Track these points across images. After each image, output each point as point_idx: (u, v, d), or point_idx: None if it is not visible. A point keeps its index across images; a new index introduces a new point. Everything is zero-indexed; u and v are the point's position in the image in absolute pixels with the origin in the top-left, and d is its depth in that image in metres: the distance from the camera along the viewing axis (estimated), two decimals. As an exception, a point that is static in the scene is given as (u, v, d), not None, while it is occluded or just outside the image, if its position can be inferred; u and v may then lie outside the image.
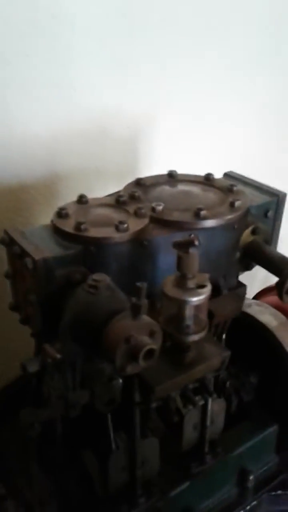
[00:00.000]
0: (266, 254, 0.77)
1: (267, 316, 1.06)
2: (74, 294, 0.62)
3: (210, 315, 0.73)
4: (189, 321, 0.64)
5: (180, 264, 0.62)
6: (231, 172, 0.90)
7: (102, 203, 0.74)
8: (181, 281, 0.63)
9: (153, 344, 0.58)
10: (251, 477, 0.97)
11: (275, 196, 0.83)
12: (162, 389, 0.67)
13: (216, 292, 0.76)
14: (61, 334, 0.62)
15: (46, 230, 0.70)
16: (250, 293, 1.10)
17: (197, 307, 0.64)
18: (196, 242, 0.60)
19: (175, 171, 0.85)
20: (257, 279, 1.25)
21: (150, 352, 0.58)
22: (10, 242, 0.68)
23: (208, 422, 0.89)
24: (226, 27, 1.14)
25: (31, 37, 0.88)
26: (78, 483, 0.87)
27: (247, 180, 0.88)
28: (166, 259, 0.69)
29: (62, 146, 0.94)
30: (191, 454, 0.92)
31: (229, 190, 0.80)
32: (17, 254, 0.66)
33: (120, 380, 0.79)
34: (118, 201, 0.74)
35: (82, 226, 0.66)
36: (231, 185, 0.80)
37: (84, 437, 0.88)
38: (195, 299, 0.63)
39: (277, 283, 0.74)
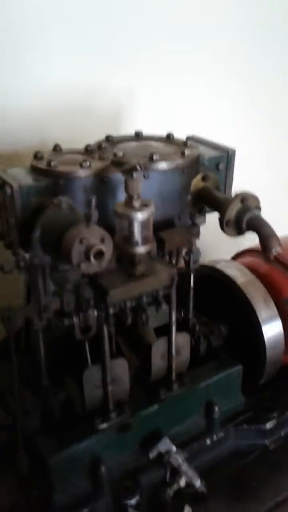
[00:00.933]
0: (214, 196, 0.92)
1: (234, 270, 1.18)
2: (43, 213, 0.77)
3: (162, 242, 0.88)
4: (137, 236, 0.79)
5: (127, 187, 0.77)
6: (193, 135, 1.05)
7: (72, 151, 0.90)
8: (128, 202, 0.78)
9: (103, 246, 0.73)
10: (216, 408, 1.08)
11: (225, 152, 0.97)
12: (115, 293, 0.80)
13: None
14: (32, 245, 0.78)
15: (24, 170, 0.86)
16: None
17: (143, 224, 0.78)
18: (138, 167, 0.75)
19: (141, 132, 1.00)
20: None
21: (100, 253, 0.73)
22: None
23: (173, 352, 1.01)
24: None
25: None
26: (60, 405, 1.00)
27: (204, 141, 1.02)
28: (124, 194, 0.84)
29: (52, 120, 1.11)
30: (160, 382, 1.04)
31: (183, 144, 0.94)
32: (-1, 185, 0.82)
33: (95, 311, 0.93)
34: (86, 150, 0.90)
35: (53, 163, 0.82)
36: (186, 141, 0.95)
37: (66, 367, 1.02)
38: (140, 215, 0.77)
39: (219, 219, 0.88)
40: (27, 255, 0.75)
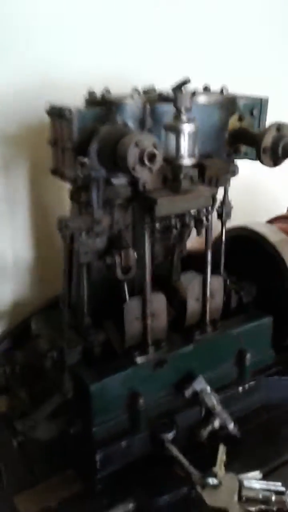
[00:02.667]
0: (250, 133, 0.98)
1: (266, 230, 1.23)
2: (100, 128, 0.83)
3: (203, 168, 0.93)
4: (183, 148, 0.85)
5: (176, 101, 0.84)
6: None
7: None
8: (177, 116, 0.84)
9: (155, 150, 0.78)
10: (248, 356, 1.09)
11: (259, 99, 1.04)
12: (163, 203, 0.84)
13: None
14: (88, 158, 0.83)
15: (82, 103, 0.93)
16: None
17: (189, 136, 0.85)
18: (188, 80, 0.81)
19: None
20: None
21: (153, 156, 0.78)
22: (54, 110, 0.90)
23: (208, 294, 1.05)
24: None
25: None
26: (100, 344, 1.01)
27: (238, 93, 1.09)
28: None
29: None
30: (195, 326, 1.07)
31: (220, 92, 1.01)
32: (58, 115, 0.88)
33: (135, 253, 0.97)
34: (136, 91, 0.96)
35: (106, 94, 0.89)
36: (222, 89, 1.02)
37: (104, 311, 1.05)
38: (187, 126, 0.84)
39: (256, 150, 0.94)
40: (86, 160, 0.80)
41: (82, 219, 0.87)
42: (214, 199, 0.90)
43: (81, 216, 0.88)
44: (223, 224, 1.13)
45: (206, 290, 1.05)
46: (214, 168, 0.94)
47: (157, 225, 0.89)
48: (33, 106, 1.20)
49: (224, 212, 1.11)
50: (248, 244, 1.22)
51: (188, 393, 1.02)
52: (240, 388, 1.10)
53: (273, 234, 1.21)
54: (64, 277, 1.08)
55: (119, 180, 0.87)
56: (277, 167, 0.97)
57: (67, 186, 1.06)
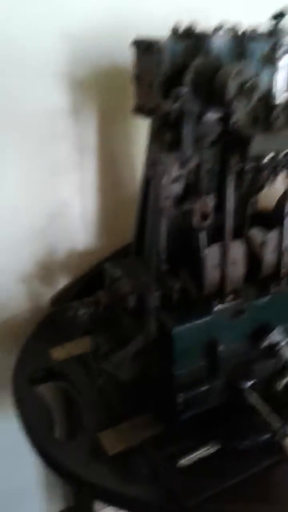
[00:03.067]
0: None
1: None
2: (194, 62, 0.81)
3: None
4: (278, 84, 0.83)
5: (272, 33, 0.81)
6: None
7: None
8: (273, 49, 0.83)
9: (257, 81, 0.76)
10: None
11: None
12: (258, 141, 0.82)
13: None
14: (183, 88, 0.80)
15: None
16: None
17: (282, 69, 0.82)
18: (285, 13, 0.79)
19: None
20: None
21: (254, 86, 0.76)
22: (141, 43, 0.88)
23: (284, 245, 1.03)
24: None
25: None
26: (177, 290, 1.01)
27: None
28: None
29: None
30: (270, 278, 1.05)
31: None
32: (146, 48, 0.85)
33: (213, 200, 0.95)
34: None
35: (193, 28, 0.87)
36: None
37: (179, 259, 1.04)
38: (284, 59, 0.82)
39: None
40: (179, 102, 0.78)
41: (174, 155, 0.86)
42: None
43: (171, 154, 0.86)
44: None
45: (283, 243, 1.03)
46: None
47: (246, 166, 0.87)
48: (103, 48, 1.18)
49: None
50: None
51: (264, 344, 1.01)
52: None
53: None
54: (137, 224, 1.09)
55: (211, 116, 0.84)
56: None
57: (135, 135, 1.05)
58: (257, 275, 1.05)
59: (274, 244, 1.04)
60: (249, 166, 0.88)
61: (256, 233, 1.12)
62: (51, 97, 1.19)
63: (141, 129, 1.08)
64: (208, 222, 1.00)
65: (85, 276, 1.34)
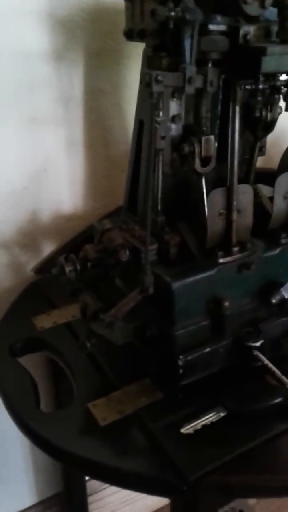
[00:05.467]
0: None
1: None
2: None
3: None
4: None
5: None
6: None
7: None
8: None
9: None
10: None
11: None
12: (273, 54, 0.71)
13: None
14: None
15: None
16: None
17: None
18: None
19: None
20: None
21: None
22: None
23: (297, 190, 0.92)
24: None
25: None
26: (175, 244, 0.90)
27: None
28: None
29: None
30: (280, 229, 0.94)
31: None
32: None
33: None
34: None
35: None
36: None
37: (178, 211, 0.93)
38: None
39: None
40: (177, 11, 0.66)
41: (174, 75, 0.74)
42: None
43: (172, 74, 0.75)
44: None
45: (295, 187, 0.92)
46: None
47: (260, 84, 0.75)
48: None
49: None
50: None
51: (275, 299, 0.90)
52: None
53: None
54: (130, 175, 0.98)
55: (217, 27, 0.73)
56: None
57: (127, 84, 0.93)
58: (265, 228, 0.95)
59: (284, 190, 0.93)
60: (261, 86, 0.77)
61: (262, 187, 1.01)
62: (29, 38, 1.05)
63: (134, 76, 0.96)
64: (211, 167, 0.89)
65: (72, 242, 1.23)
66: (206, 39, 0.73)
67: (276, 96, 0.89)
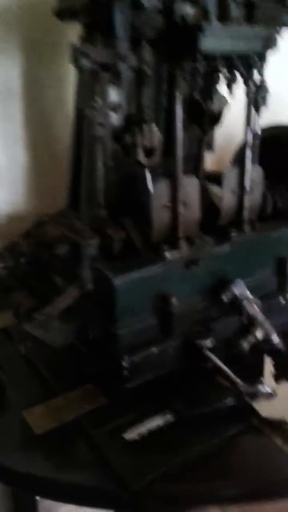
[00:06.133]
0: None
1: None
2: None
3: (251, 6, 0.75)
4: None
5: None
6: None
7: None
8: None
9: None
10: (289, 263, 0.94)
11: None
12: (211, 32, 0.67)
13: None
14: None
15: None
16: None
17: None
18: None
19: None
20: None
21: None
22: None
23: (247, 184, 0.88)
24: None
25: None
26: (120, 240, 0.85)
27: None
28: None
29: None
30: (231, 224, 0.91)
31: None
32: None
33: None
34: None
35: None
36: None
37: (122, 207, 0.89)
38: None
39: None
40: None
41: (103, 50, 0.69)
42: (271, 41, 0.73)
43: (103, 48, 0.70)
44: (257, 111, 0.96)
45: (244, 181, 0.89)
46: (268, 8, 0.76)
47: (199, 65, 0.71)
48: None
49: (258, 96, 0.94)
50: (285, 145, 1.05)
51: (226, 297, 0.86)
52: (282, 299, 0.94)
53: None
54: (70, 170, 0.93)
55: (150, 3, 0.68)
56: None
57: (69, 77, 0.88)
58: (216, 223, 0.91)
59: (233, 184, 0.89)
60: (200, 67, 0.73)
61: (211, 185, 0.97)
62: None
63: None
64: (156, 159, 0.85)
65: (11, 245, 1.15)
66: (140, 16, 0.69)
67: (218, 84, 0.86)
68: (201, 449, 0.68)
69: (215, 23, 0.69)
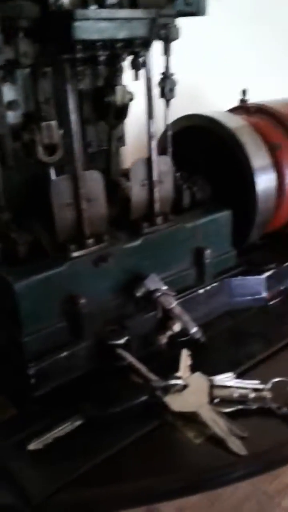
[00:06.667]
0: None
1: (223, 117, 1.04)
2: None
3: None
4: None
5: None
6: None
7: None
8: None
9: None
10: (207, 253, 0.93)
11: None
12: (84, 16, 0.65)
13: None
14: None
15: None
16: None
17: None
18: None
19: None
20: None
21: None
22: None
23: (155, 175, 0.87)
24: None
25: None
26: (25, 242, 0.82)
27: None
28: None
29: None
30: (143, 219, 0.89)
31: None
32: None
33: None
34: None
35: None
36: None
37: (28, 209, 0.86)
38: None
39: None
40: None
41: None
42: (154, 25, 0.71)
43: None
44: (167, 103, 0.95)
45: (152, 173, 0.87)
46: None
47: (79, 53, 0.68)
48: None
49: (167, 88, 0.93)
50: (201, 134, 1.04)
51: (140, 292, 0.84)
52: (202, 291, 0.93)
53: (230, 120, 1.03)
54: None
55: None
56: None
57: None
58: (128, 219, 0.89)
59: (141, 177, 0.87)
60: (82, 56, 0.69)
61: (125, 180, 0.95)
62: None
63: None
64: (58, 156, 0.82)
65: None
66: (10, 4, 0.65)
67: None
68: (110, 451, 0.65)
69: (91, 9, 0.67)
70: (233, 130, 1.00)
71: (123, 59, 0.77)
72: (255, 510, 1.76)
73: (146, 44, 0.74)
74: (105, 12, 0.67)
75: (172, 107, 1.00)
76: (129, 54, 0.75)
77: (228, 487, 1.80)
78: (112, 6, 0.68)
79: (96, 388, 0.75)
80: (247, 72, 1.41)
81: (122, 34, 0.69)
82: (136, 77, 0.77)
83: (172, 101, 0.94)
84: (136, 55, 0.75)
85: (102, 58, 0.70)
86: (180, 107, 1.06)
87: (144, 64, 0.80)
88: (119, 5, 0.69)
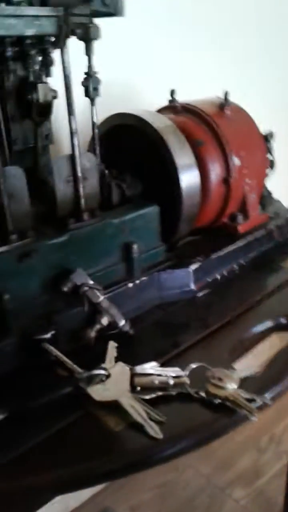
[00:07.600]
0: None
1: (150, 117, 1.06)
2: None
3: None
4: None
5: None
6: None
7: None
8: None
9: None
10: (135, 248, 0.95)
11: None
12: None
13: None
14: None
15: None
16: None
17: None
18: None
19: None
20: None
21: None
22: None
23: (79, 171, 0.88)
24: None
25: None
26: None
27: None
28: None
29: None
30: (69, 215, 0.90)
31: None
32: None
33: None
34: None
35: None
36: None
37: None
38: None
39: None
40: None
41: None
42: (65, 23, 0.72)
43: None
44: (92, 101, 0.97)
45: (76, 169, 0.88)
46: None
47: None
48: None
49: (91, 86, 0.94)
50: (129, 133, 1.06)
51: (66, 287, 0.85)
52: (131, 285, 0.95)
53: (157, 120, 1.05)
54: None
55: None
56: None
57: None
58: (55, 215, 0.90)
59: (65, 174, 0.89)
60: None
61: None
62: None
63: None
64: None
65: None
66: None
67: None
68: (31, 443, 0.66)
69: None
70: (159, 129, 1.03)
71: (39, 56, 0.78)
72: (207, 503, 1.80)
73: (56, 42, 0.75)
74: (11, 9, 0.68)
75: (108, 107, 1.02)
76: (40, 51, 0.76)
77: (179, 481, 1.85)
78: (20, 3, 0.69)
79: (21, 382, 0.76)
80: (178, 72, 1.45)
81: (30, 31, 0.70)
82: (48, 74, 0.79)
83: (107, 100, 0.96)
84: (45, 52, 0.76)
85: (9, 54, 0.71)
86: (120, 106, 1.08)
87: (63, 62, 0.81)
88: (29, 3, 0.70)
